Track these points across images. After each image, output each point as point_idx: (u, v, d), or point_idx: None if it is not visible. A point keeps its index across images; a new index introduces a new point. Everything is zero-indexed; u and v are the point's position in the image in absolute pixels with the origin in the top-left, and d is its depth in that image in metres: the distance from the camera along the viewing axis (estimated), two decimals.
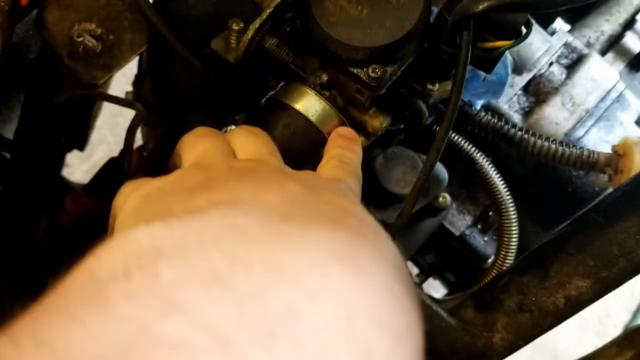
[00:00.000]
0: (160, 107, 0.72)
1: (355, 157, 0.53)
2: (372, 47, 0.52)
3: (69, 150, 0.92)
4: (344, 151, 0.52)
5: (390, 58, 0.54)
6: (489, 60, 0.56)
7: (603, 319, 1.87)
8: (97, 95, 0.75)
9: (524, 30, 0.54)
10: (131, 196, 0.36)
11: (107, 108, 1.11)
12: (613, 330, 1.88)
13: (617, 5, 0.85)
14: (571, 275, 0.56)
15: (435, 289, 0.97)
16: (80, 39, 0.61)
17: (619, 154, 0.63)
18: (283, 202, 0.30)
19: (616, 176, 0.63)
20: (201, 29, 0.67)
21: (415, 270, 0.96)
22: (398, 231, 0.55)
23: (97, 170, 0.84)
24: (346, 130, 0.57)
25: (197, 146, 0.44)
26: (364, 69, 0.54)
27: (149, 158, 0.74)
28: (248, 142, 0.46)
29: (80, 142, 0.91)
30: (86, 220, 0.78)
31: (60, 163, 0.91)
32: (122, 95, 0.82)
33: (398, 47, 0.53)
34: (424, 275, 0.94)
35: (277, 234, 0.25)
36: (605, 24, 0.83)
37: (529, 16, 0.54)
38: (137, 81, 0.81)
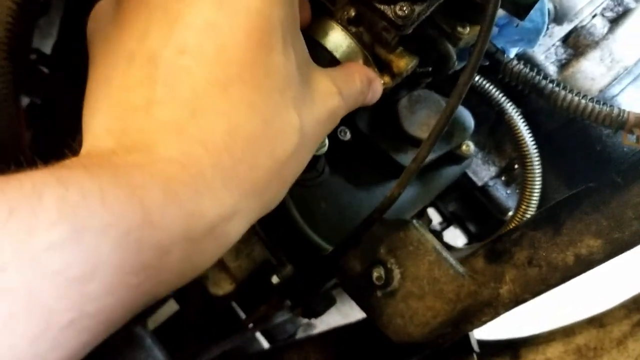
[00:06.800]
0: None
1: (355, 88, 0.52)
2: None
3: None
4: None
5: None
6: (523, 6, 0.55)
7: None
8: None
9: None
10: None
11: None
12: None
13: None
14: (583, 234, 0.55)
15: (456, 238, 0.97)
16: None
17: None
18: None
19: None
20: None
21: (437, 218, 0.96)
22: (412, 175, 0.55)
23: None
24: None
25: None
26: (392, 6, 0.52)
27: None
28: None
29: None
30: None
31: None
32: None
33: None
34: (446, 223, 0.94)
35: None
36: None
37: None
38: None
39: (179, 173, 0.34)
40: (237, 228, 0.38)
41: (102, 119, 0.38)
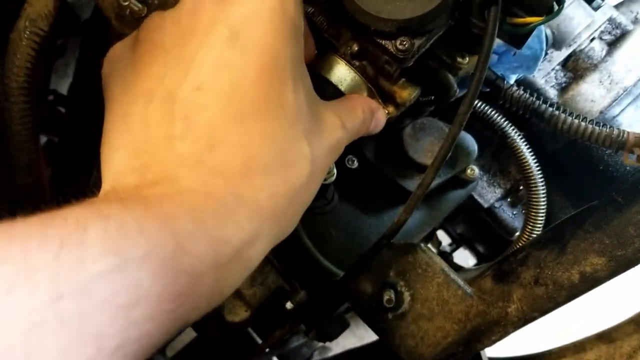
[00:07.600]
0: None
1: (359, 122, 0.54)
2: (400, 19, 0.53)
3: None
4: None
5: (419, 31, 0.55)
6: (519, 36, 0.57)
7: None
8: None
9: (556, 6, 0.54)
10: None
11: None
12: None
13: None
14: (587, 252, 0.57)
15: (465, 259, 0.99)
16: (127, 3, 0.65)
17: None
18: None
19: None
20: None
21: (447, 240, 0.98)
22: (418, 200, 0.57)
23: None
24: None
25: None
26: (392, 41, 0.55)
27: None
28: None
29: None
30: None
31: None
32: None
33: (426, 20, 0.54)
34: (455, 245, 0.95)
35: None
36: None
37: None
38: None
39: (202, 203, 0.36)
40: (259, 252, 0.40)
41: (122, 156, 0.40)
